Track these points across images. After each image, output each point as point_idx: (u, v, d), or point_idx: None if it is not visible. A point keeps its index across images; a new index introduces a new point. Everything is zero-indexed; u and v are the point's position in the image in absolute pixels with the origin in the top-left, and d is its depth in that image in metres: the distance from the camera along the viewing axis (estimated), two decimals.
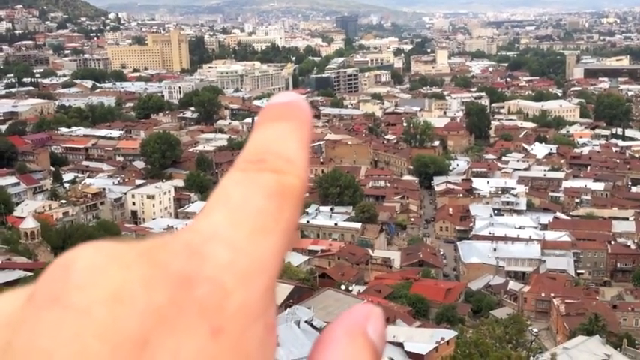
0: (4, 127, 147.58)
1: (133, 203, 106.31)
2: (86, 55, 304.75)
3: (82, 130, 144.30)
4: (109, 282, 0.64)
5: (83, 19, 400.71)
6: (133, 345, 0.62)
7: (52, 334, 0.62)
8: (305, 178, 0.77)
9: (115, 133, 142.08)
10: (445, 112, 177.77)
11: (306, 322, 54.09)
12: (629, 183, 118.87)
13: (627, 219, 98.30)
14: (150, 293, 0.64)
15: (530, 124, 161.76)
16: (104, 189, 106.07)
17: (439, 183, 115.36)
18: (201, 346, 0.64)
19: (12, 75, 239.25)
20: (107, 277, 0.65)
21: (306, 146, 0.80)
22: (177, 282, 0.66)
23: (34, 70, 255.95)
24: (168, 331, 0.64)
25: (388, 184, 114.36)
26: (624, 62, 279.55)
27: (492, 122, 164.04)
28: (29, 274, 61.99)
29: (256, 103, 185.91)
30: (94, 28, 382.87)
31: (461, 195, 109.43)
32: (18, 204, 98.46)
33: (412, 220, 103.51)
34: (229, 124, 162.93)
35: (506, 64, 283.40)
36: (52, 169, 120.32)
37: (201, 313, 0.65)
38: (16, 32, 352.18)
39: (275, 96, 0.84)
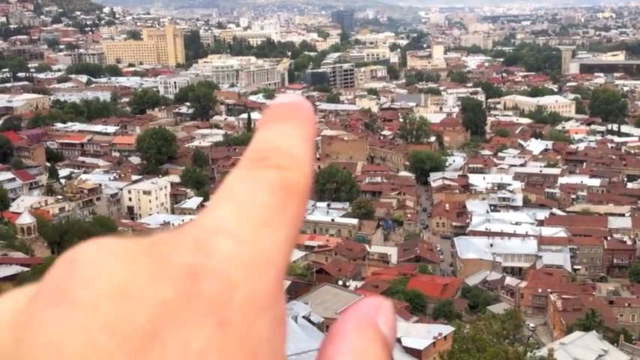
0: None
1: (130, 199, 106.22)
2: (81, 50, 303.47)
3: (77, 126, 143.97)
4: (115, 277, 0.65)
5: (78, 13, 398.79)
6: (142, 337, 0.62)
7: (61, 329, 0.62)
8: (309, 174, 0.78)
9: (111, 129, 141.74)
10: (441, 108, 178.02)
11: (303, 317, 54.19)
12: (625, 179, 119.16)
13: (623, 215, 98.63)
14: (156, 287, 0.65)
15: (526, 120, 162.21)
16: (100, 184, 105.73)
17: (435, 179, 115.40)
18: (209, 338, 0.64)
19: (6, 70, 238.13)
20: (113, 272, 0.65)
21: (310, 143, 0.81)
22: (184, 275, 0.66)
23: (29, 65, 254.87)
24: (176, 323, 0.64)
25: (384, 180, 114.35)
26: (620, 57, 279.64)
27: (488, 118, 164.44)
28: (26, 269, 61.90)
29: (252, 98, 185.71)
30: (88, 23, 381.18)
31: (457, 191, 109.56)
32: (14, 199, 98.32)
33: (409, 215, 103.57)
34: (225, 119, 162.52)
35: (502, 60, 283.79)
36: (48, 164, 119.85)
37: (208, 305, 0.65)
38: (11, 26, 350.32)
39: (277, 97, 0.86)
